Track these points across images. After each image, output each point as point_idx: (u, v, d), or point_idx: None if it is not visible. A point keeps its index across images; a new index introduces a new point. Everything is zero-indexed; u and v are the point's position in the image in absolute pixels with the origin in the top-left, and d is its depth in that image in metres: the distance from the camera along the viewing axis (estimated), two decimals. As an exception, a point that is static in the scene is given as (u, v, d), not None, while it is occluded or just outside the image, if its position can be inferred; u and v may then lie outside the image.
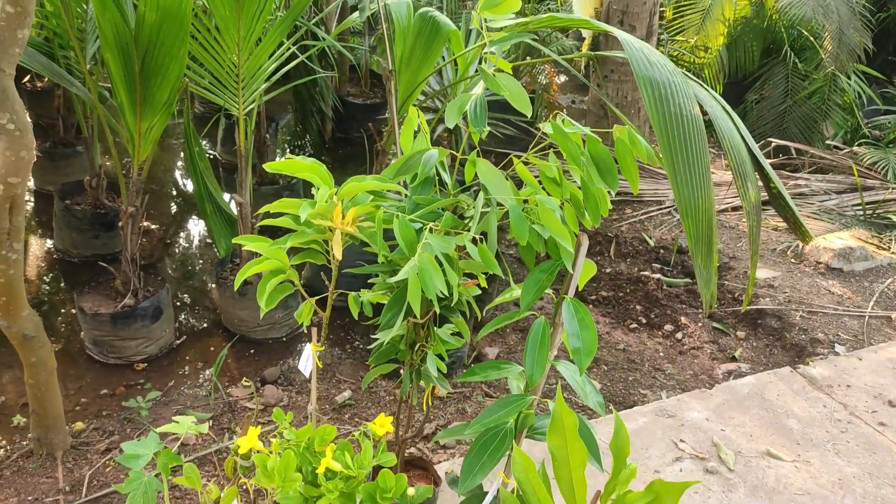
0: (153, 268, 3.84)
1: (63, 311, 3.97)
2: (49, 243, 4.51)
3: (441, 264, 1.46)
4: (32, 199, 4.94)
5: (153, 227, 4.80)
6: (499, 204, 1.57)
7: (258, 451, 1.58)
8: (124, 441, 3.13)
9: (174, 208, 5.18)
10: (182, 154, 5.86)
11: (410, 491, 1.71)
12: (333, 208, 1.60)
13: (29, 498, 2.78)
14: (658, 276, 4.52)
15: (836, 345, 3.81)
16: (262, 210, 1.65)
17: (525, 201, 1.56)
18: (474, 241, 1.50)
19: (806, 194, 5.30)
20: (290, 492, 1.62)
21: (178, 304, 4.14)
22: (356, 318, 1.83)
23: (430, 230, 1.46)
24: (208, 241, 4.78)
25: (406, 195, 1.62)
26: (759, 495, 2.62)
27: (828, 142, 6.11)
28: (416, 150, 1.62)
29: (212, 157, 5.74)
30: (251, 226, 3.68)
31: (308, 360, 1.88)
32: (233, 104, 3.37)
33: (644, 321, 4.22)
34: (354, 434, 1.82)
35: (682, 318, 4.21)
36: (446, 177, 1.64)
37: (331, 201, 1.60)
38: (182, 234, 4.85)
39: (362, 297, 1.79)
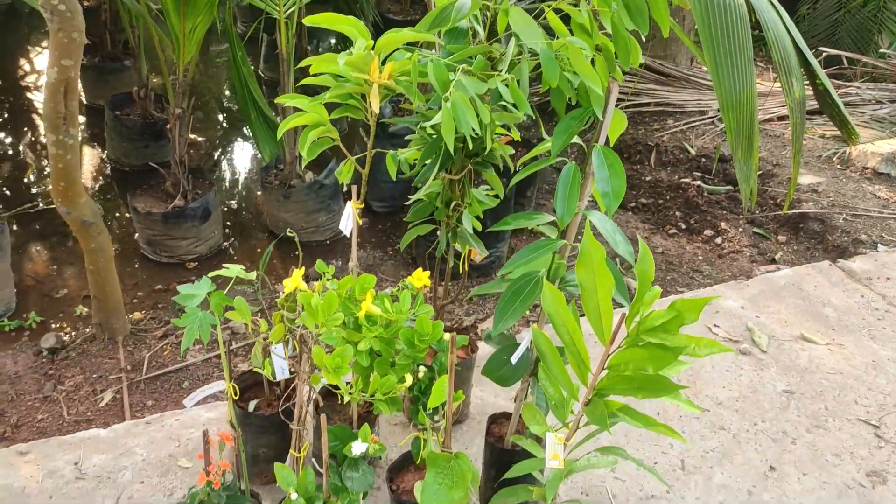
0: (201, 173, 3.97)
1: (117, 215, 4.14)
2: (102, 154, 4.67)
3: (474, 105, 1.51)
4: (84, 114, 5.10)
5: (200, 139, 4.93)
6: (531, 53, 1.61)
7: (303, 291, 1.68)
8: (179, 329, 3.30)
9: (220, 123, 5.29)
10: (227, 78, 5.95)
11: (447, 336, 1.80)
12: (370, 60, 1.66)
13: (94, 375, 2.97)
14: (699, 183, 4.50)
15: (878, 245, 3.78)
16: (302, 63, 1.71)
17: (556, 53, 1.60)
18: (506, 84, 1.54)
19: (856, 103, 5.17)
20: (334, 332, 1.72)
21: (226, 209, 4.28)
22: (394, 179, 1.90)
23: (462, 71, 1.51)
24: (253, 151, 4.89)
25: (441, 45, 1.67)
26: (791, 374, 2.67)
27: (882, 50, 5.91)
28: (449, 1, 1.66)
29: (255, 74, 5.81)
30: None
31: (349, 218, 1.96)
32: (273, 7, 3.42)
33: (683, 227, 4.22)
34: (393, 290, 1.91)
35: (722, 224, 4.21)
36: (479, 28, 1.68)
37: (368, 53, 1.66)
38: (228, 146, 4.98)
39: (400, 155, 1.86)
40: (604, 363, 1.48)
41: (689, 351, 1.36)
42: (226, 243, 3.94)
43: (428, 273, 1.87)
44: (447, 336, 1.79)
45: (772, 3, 2.51)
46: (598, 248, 1.45)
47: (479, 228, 1.94)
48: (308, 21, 1.67)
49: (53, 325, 3.28)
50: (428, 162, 1.76)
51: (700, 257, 3.95)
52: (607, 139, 1.70)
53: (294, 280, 1.69)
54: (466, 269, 2.13)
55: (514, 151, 1.90)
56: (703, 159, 4.71)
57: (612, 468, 2.29)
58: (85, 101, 5.17)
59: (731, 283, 3.23)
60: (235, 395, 1.82)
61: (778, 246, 4.03)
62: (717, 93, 2.25)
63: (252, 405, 2.09)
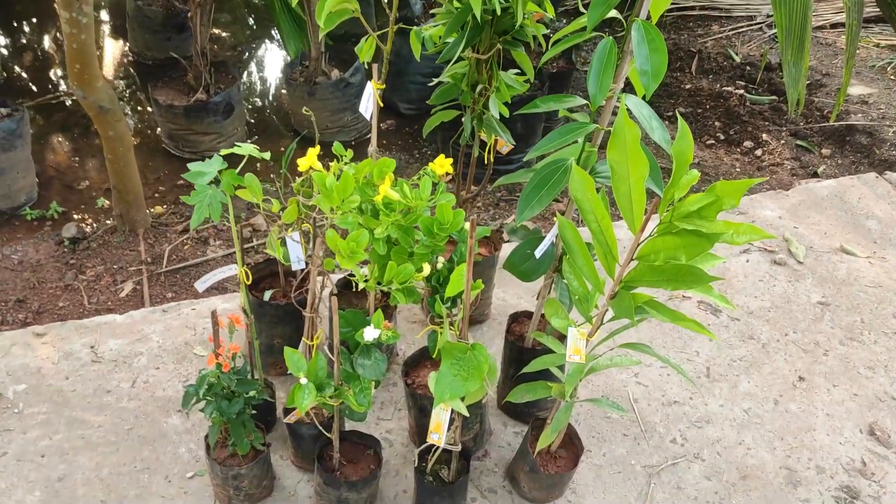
0: (224, 67, 3.84)
1: (139, 109, 4.06)
2: (125, 47, 4.56)
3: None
4: (107, 4, 4.96)
5: (225, 34, 4.79)
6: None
7: (317, 171, 1.60)
8: (217, 219, 3.26)
9: (246, 20, 5.13)
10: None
11: (467, 225, 1.71)
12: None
13: (115, 266, 2.96)
14: (741, 92, 4.28)
15: (929, 160, 3.59)
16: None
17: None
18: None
19: (916, 12, 4.84)
20: (350, 216, 1.65)
21: (250, 107, 4.18)
22: (418, 59, 1.78)
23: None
24: (279, 48, 4.75)
25: None
26: (827, 286, 2.56)
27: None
28: None
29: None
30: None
31: (369, 99, 1.86)
32: None
33: (722, 137, 4.04)
34: (414, 178, 1.82)
35: (764, 135, 4.02)
36: None
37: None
38: (254, 42, 4.83)
39: (424, 31, 1.73)
40: (633, 252, 1.39)
41: (727, 238, 1.26)
42: (249, 141, 3.85)
43: (451, 160, 1.77)
44: (468, 225, 1.70)
45: None
46: (633, 128, 1.34)
47: (507, 115, 1.83)
48: None
49: (75, 216, 3.25)
50: (453, 38, 1.64)
51: (738, 169, 3.79)
52: (648, 15, 1.56)
53: (309, 158, 1.60)
54: (492, 160, 2.03)
55: (547, 30, 1.76)
56: (748, 67, 4.47)
57: (635, 372, 2.23)
58: (107, -8, 5.02)
59: (770, 192, 3.09)
60: (248, 281, 1.76)
61: (821, 159, 3.85)
62: None
63: (267, 294, 2.04)
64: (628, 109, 1.62)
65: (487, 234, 1.70)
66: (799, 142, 4.01)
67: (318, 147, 1.64)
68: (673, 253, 1.32)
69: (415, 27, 1.75)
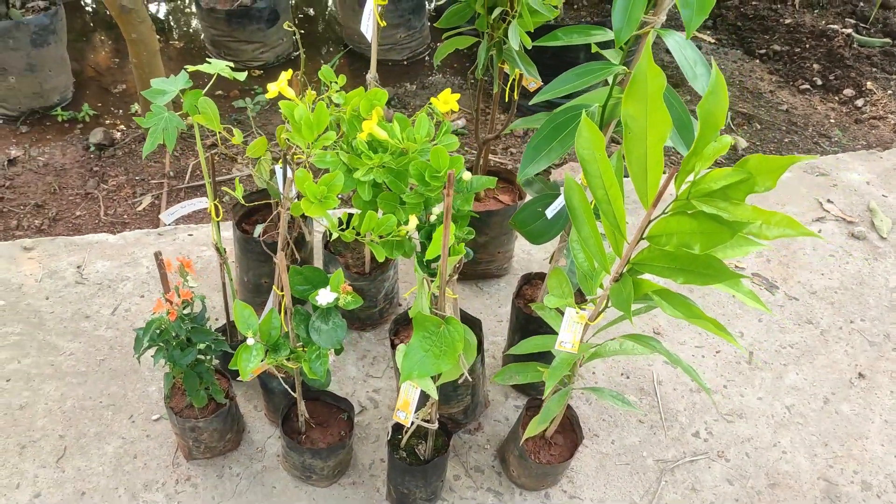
0: (274, -29, 3.59)
1: (188, 11, 3.88)
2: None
3: None
4: None
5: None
6: None
7: (288, 100, 1.37)
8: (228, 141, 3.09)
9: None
10: None
11: (466, 175, 1.46)
12: None
13: (137, 178, 2.84)
14: (849, 31, 3.76)
15: None
16: None
17: None
18: None
19: None
20: (329, 155, 1.42)
21: (301, 15, 3.93)
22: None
23: None
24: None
25: None
26: (912, 270, 2.20)
27: None
28: None
29: None
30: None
31: (369, 18, 1.60)
32: None
33: (819, 82, 3.57)
34: (416, 115, 1.56)
35: (868, 84, 3.53)
36: None
37: None
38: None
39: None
40: (643, 231, 1.12)
41: (755, 230, 0.97)
42: (295, 52, 3.63)
43: (457, 96, 1.51)
44: (467, 175, 1.45)
45: None
46: (657, 75, 1.04)
47: (529, 46, 1.53)
48: None
49: (107, 121, 3.13)
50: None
51: (832, 120, 3.34)
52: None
53: (278, 85, 1.37)
54: (516, 97, 1.75)
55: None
56: (861, 3, 3.92)
57: (667, 357, 1.97)
58: None
59: (862, 152, 2.68)
60: (218, 217, 1.57)
61: (933, 116, 3.36)
62: None
63: (258, 229, 1.86)
64: (669, 49, 1.31)
65: (492, 185, 1.45)
66: (910, 93, 3.51)
67: (290, 72, 1.40)
68: (687, 239, 1.04)
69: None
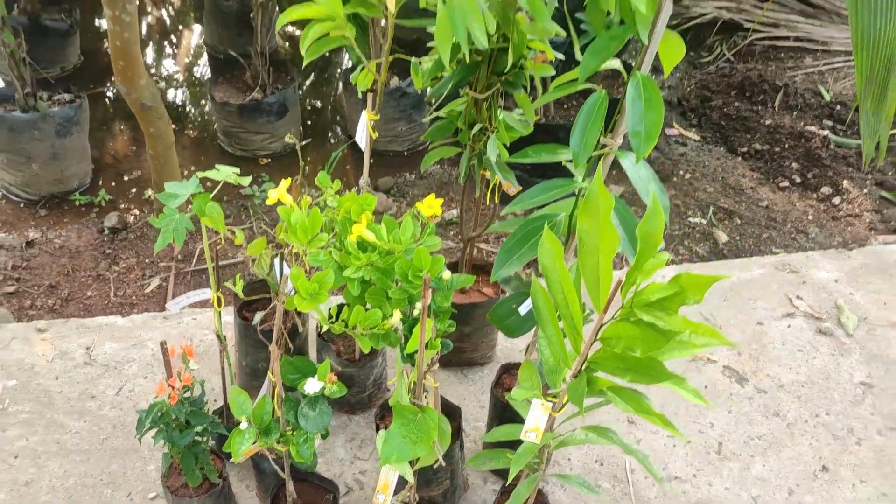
0: (285, 68, 3.85)
1: (203, 102, 4.13)
2: (200, 39, 4.65)
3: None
4: (191, -2, 5.09)
5: (298, 32, 4.81)
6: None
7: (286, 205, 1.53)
8: (238, 224, 3.27)
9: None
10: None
11: (446, 274, 1.61)
12: (384, -52, 1.43)
13: (146, 260, 3.00)
14: (826, 133, 3.97)
15: None
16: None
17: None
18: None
19: None
20: (322, 254, 1.57)
21: (309, 107, 4.18)
22: (420, 90, 1.69)
23: (474, -34, 1.26)
24: (343, 50, 4.73)
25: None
26: (875, 365, 2.31)
27: None
28: None
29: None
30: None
31: (363, 129, 1.78)
32: None
33: (798, 180, 3.76)
34: (404, 216, 1.72)
35: (844, 182, 3.71)
36: (516, -80, 1.40)
37: (383, -59, 1.43)
38: (326, 44, 4.84)
39: (422, 64, 1.64)
40: (596, 333, 1.26)
41: (684, 338, 1.11)
42: (302, 143, 3.83)
43: (440, 201, 1.67)
44: (447, 274, 1.60)
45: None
46: (607, 197, 1.20)
47: (506, 157, 1.71)
48: None
49: (121, 206, 3.32)
50: (444, 75, 1.54)
51: (810, 217, 3.51)
52: (654, 68, 1.41)
53: (278, 191, 1.54)
54: (497, 201, 1.91)
55: (554, 72, 1.63)
56: (838, 107, 4.15)
57: (637, 438, 2.07)
58: (194, -16, 5.14)
59: (831, 251, 2.83)
60: (220, 306, 1.72)
61: (906, 215, 3.52)
62: (852, 26, 1.90)
63: (257, 317, 2.00)
64: (625, 168, 1.48)
65: (470, 283, 1.59)
66: (884, 193, 3.68)
67: (289, 180, 1.57)
68: (631, 343, 1.18)
69: (414, 58, 1.65)
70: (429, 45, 1.61)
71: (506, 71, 1.53)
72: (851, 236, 3.41)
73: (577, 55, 1.42)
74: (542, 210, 1.60)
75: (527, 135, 1.76)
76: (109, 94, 4.07)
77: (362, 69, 1.67)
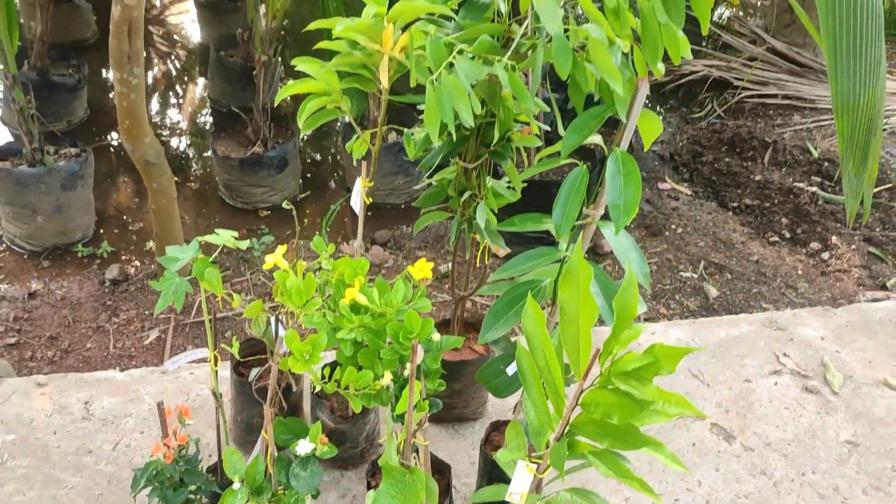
0: (286, 122, 3.96)
1: (205, 155, 4.22)
2: (204, 93, 4.77)
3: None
4: (197, 51, 5.23)
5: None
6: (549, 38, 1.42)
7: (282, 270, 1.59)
8: (237, 277, 3.33)
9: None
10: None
11: (436, 336, 1.67)
12: (379, 29, 1.52)
13: (146, 312, 3.05)
14: (815, 189, 4.06)
15: None
16: (311, 26, 1.60)
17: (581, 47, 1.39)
18: (510, 68, 1.36)
19: None
20: (316, 316, 1.63)
21: (309, 160, 4.27)
22: (412, 160, 1.77)
23: (461, 52, 1.34)
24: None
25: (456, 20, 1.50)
26: (860, 423, 2.35)
27: None
28: (472, -29, 1.49)
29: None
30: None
31: (357, 195, 1.85)
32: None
33: (788, 236, 3.83)
34: (396, 279, 1.79)
35: (833, 238, 3.78)
36: (503, 5, 1.49)
37: (378, 21, 1.52)
38: (327, 98, 4.96)
39: (415, 134, 1.72)
40: (577, 399, 1.31)
41: (657, 408, 1.16)
42: (302, 195, 3.93)
43: (431, 265, 1.74)
44: (436, 336, 1.66)
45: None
46: (586, 269, 1.27)
47: (495, 223, 1.78)
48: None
49: (123, 257, 3.38)
50: (435, 146, 1.61)
51: (799, 272, 3.57)
52: (632, 145, 1.49)
53: (275, 257, 1.60)
54: (486, 262, 1.98)
55: (541, 143, 1.71)
56: (826, 163, 4.24)
57: (626, 497, 2.10)
58: (200, 40, 5.29)
59: (818, 308, 2.88)
60: (216, 364, 1.77)
61: (894, 271, 3.58)
62: (833, 91, 1.99)
63: (253, 374, 2.04)
64: (606, 238, 1.55)
65: (459, 344, 1.65)
66: (872, 248, 3.75)
67: (284, 246, 1.63)
68: (608, 410, 1.23)
69: (406, 129, 1.73)
70: (419, 106, 1.69)
71: (493, 143, 1.60)
72: (840, 292, 3.47)
73: (561, 131, 1.50)
74: (529, 275, 1.66)
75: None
76: (114, 144, 4.17)
77: (357, 139, 1.75)
